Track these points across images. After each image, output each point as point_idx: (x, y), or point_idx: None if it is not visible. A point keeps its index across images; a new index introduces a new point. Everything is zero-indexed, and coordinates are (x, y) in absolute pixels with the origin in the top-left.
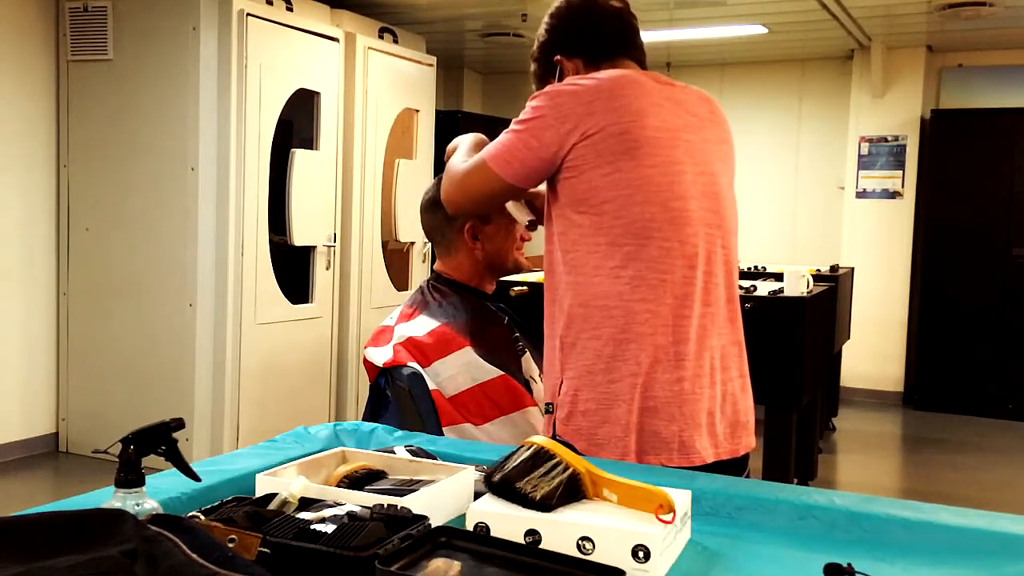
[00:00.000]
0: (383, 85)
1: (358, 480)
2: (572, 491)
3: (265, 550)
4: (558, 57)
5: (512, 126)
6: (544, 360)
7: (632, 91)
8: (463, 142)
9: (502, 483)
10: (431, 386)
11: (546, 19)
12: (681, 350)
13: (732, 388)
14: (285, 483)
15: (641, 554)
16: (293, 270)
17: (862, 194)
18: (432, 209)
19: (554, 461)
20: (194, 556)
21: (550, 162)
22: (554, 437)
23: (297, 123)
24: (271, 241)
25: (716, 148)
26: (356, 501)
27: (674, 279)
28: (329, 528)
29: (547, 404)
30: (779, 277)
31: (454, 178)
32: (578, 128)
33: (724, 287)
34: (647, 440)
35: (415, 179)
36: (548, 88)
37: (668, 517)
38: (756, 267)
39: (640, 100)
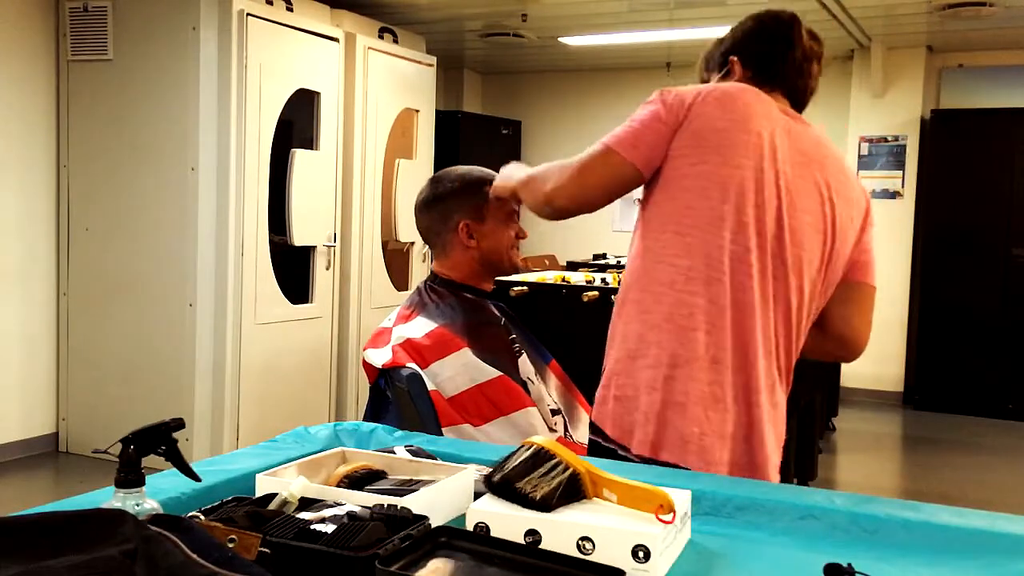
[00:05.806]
0: (383, 85)
1: (358, 480)
2: (572, 491)
3: (265, 550)
4: (734, 58)
5: (638, 113)
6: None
7: (751, 100)
8: (509, 167)
9: (502, 483)
10: (430, 387)
11: (747, 20)
12: (720, 356)
13: (774, 415)
14: (285, 483)
15: (641, 554)
16: (293, 270)
17: None
18: (426, 210)
19: (554, 461)
20: (194, 556)
21: (668, 146)
22: (593, 424)
23: (297, 123)
24: (271, 241)
25: (811, 187)
26: (356, 501)
27: (729, 283)
28: (329, 528)
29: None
30: None
31: (569, 174)
32: (689, 114)
33: (783, 310)
34: (667, 435)
35: (415, 179)
36: (672, 87)
37: (668, 517)
38: None
39: (753, 107)
